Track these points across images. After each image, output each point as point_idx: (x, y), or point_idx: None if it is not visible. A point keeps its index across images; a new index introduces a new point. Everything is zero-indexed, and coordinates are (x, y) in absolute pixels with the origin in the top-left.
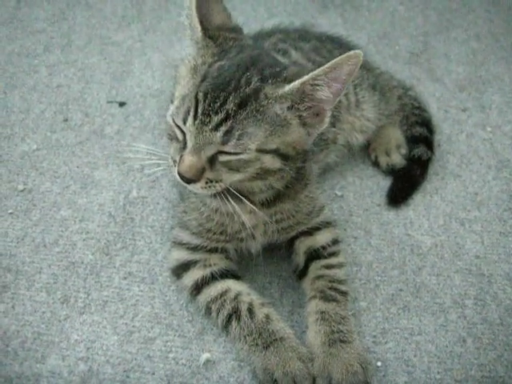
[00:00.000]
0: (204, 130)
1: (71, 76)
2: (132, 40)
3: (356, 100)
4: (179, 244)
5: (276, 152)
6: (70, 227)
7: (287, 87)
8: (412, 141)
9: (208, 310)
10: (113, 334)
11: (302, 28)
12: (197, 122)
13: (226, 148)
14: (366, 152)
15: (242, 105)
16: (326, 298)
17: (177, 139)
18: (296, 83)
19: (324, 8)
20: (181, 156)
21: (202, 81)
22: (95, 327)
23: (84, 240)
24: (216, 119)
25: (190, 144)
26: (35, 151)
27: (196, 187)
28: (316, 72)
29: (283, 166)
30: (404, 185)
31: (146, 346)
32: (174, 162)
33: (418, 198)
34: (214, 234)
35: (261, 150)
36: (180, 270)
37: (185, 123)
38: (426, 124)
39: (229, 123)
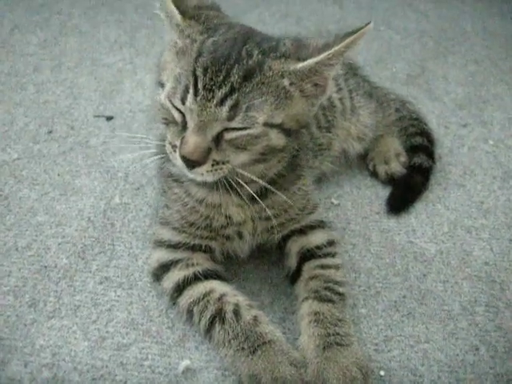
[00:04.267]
0: (207, 107)
1: (59, 93)
2: (123, 62)
3: (352, 105)
4: (159, 243)
5: (281, 126)
6: (45, 232)
7: (300, 65)
8: (412, 150)
9: (189, 314)
10: (83, 339)
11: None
12: (198, 99)
13: (233, 123)
14: (364, 163)
15: (246, 77)
16: (321, 299)
17: (174, 122)
18: (311, 62)
19: (319, 37)
20: (182, 138)
21: (198, 57)
22: (64, 332)
23: (59, 244)
24: (220, 93)
25: (191, 124)
26: (15, 160)
27: (201, 171)
28: (332, 51)
29: (286, 143)
30: (405, 192)
31: (119, 352)
32: (174, 146)
33: (419, 207)
34: (198, 228)
35: (267, 124)
36: (160, 271)
37: (183, 102)
38: (426, 135)
39: (234, 96)
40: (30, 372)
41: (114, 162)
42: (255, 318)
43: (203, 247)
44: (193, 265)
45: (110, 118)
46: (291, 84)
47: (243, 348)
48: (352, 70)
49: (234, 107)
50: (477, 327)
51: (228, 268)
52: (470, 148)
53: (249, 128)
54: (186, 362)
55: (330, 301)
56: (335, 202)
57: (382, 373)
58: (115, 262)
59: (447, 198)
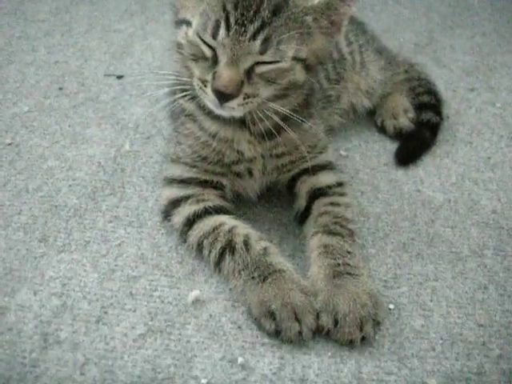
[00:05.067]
0: (240, 41)
1: (70, 55)
2: (134, 28)
3: (361, 59)
4: (170, 180)
5: (304, 62)
6: (55, 175)
7: (316, 0)
8: (420, 108)
9: (199, 247)
10: (92, 271)
11: None
12: (231, 33)
13: (265, 57)
14: (372, 120)
15: (275, 12)
16: (331, 232)
17: (204, 58)
18: None
19: None
20: (214, 73)
21: None
22: (73, 265)
23: (70, 186)
24: (252, 28)
25: (224, 58)
26: (26, 113)
27: (232, 105)
28: None
29: (306, 79)
30: (413, 145)
31: (128, 284)
32: (204, 82)
33: (427, 160)
34: (210, 163)
35: (295, 58)
36: (170, 207)
37: (215, 37)
38: (434, 94)
39: (266, 31)
40: (39, 300)
41: (125, 115)
42: (265, 249)
43: (214, 183)
44: (203, 200)
45: (120, 77)
46: (313, 20)
47: (253, 277)
48: (362, 29)
49: (266, 41)
50: (485, 268)
51: (238, 209)
52: (478, 110)
53: (279, 62)
54: (195, 293)
55: (340, 234)
56: (343, 153)
57: (391, 306)
58: (125, 203)
59: (455, 153)
